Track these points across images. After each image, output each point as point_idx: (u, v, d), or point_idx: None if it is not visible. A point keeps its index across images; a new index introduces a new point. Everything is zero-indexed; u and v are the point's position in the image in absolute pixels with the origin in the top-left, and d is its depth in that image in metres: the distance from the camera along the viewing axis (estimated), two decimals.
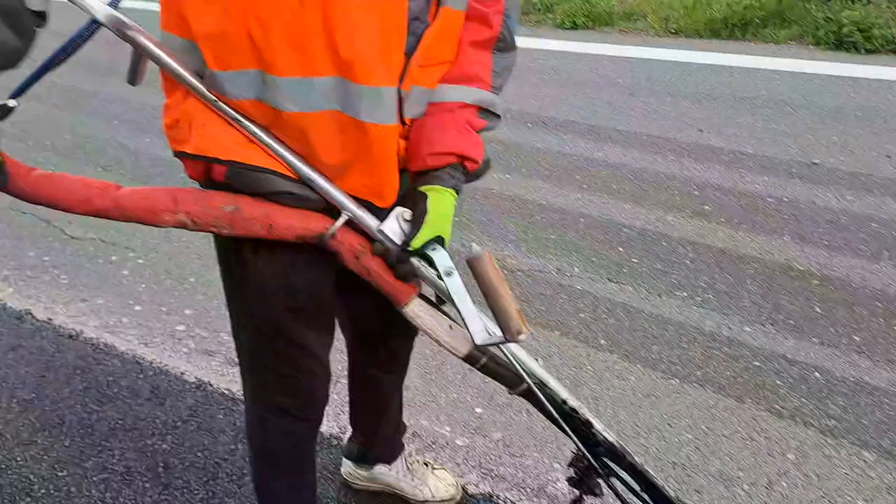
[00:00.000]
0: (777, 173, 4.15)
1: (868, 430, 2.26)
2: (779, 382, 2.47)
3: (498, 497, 2.01)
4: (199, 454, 2.11)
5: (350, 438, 1.96)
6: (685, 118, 5.05)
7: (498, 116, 1.29)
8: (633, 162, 4.36)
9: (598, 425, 1.40)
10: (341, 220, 1.19)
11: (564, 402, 1.38)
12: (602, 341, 2.69)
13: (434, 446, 2.20)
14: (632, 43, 7.22)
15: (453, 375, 2.47)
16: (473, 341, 1.17)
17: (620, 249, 3.34)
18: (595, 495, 1.46)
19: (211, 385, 2.40)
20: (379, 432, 1.87)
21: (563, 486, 2.02)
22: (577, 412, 1.38)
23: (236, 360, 1.48)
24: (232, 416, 2.26)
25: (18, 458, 2.10)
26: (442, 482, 1.96)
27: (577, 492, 1.46)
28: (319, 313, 1.37)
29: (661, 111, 5.21)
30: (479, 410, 2.34)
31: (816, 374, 2.51)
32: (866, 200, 3.79)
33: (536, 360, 1.38)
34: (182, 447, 2.14)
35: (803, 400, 2.39)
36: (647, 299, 2.95)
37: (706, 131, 4.81)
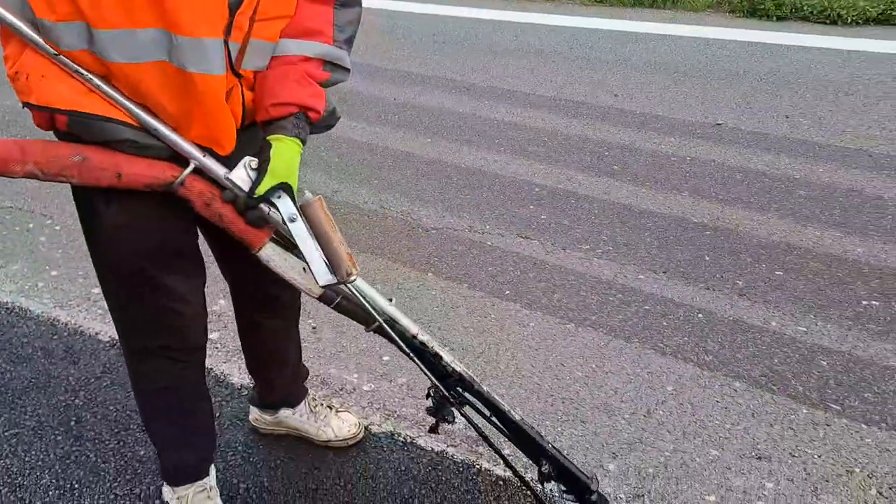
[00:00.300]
0: (683, 134, 4.36)
1: (741, 363, 2.48)
2: (664, 323, 2.67)
3: (399, 435, 2.15)
4: (111, 407, 2.19)
5: (254, 385, 2.07)
6: (602, 84, 5.24)
7: (346, 70, 1.38)
8: (550, 126, 4.52)
9: (447, 357, 1.54)
10: (189, 169, 1.27)
11: (415, 336, 1.52)
12: (507, 292, 2.85)
13: (342, 392, 2.32)
14: (556, 11, 7.37)
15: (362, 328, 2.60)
16: (317, 282, 1.29)
17: (531, 207, 3.50)
18: (448, 422, 1.60)
19: None
20: (274, 378, 1.97)
21: (461, 422, 2.17)
22: (426, 346, 1.52)
23: None
24: None
25: None
26: (345, 423, 2.08)
27: (434, 419, 1.60)
28: (179, 258, 1.45)
29: (580, 77, 5.39)
30: (385, 358, 2.47)
31: (699, 315, 2.72)
32: (762, 158, 4.03)
33: (390, 299, 1.52)
34: (95, 402, 2.22)
35: (685, 338, 2.59)
36: (552, 253, 3.12)
37: (621, 96, 5.00)
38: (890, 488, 1.98)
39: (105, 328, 2.54)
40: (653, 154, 4.10)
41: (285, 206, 1.28)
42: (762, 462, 2.07)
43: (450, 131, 4.42)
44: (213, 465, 1.83)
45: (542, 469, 1.61)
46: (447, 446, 2.10)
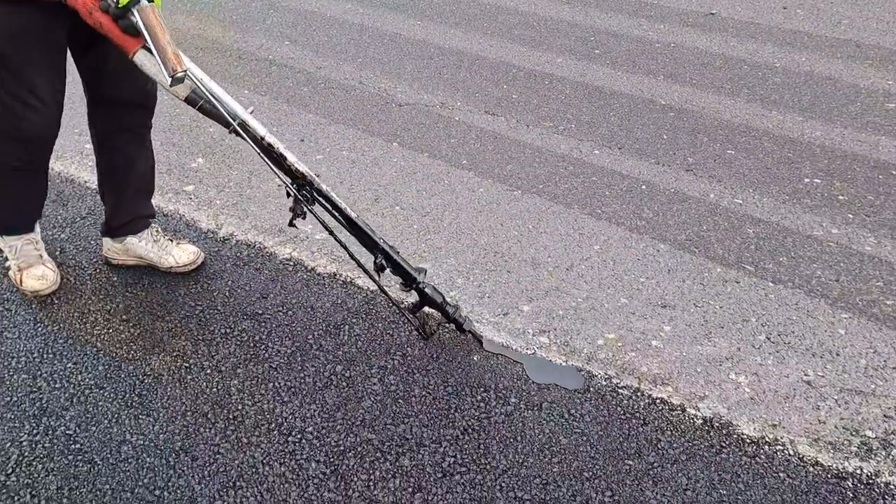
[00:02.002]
0: (673, 22, 4.38)
1: (670, 229, 2.65)
2: (607, 193, 2.84)
3: (340, 275, 2.38)
4: (91, 241, 2.47)
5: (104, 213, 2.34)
6: None
7: None
8: (541, 11, 4.56)
9: (291, 158, 1.80)
10: None
11: (262, 138, 1.77)
12: (464, 161, 3.04)
13: (296, 239, 2.57)
14: None
15: None
16: (166, 82, 1.57)
17: (504, 87, 3.63)
18: (301, 217, 1.85)
19: None
20: (122, 197, 2.23)
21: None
22: (273, 147, 1.77)
23: None
24: None
25: None
26: (184, 252, 2.34)
27: (291, 215, 1.87)
28: (43, 55, 1.77)
29: None
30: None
31: (643, 186, 2.88)
32: (747, 46, 4.05)
33: (248, 109, 1.76)
34: (78, 237, 2.50)
35: (623, 206, 2.77)
36: (514, 129, 3.27)
37: None
38: (779, 335, 2.19)
39: (92, 178, 2.81)
40: (638, 40, 4.14)
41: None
42: (666, 309, 2.28)
43: (439, 14, 4.50)
44: (38, 223, 2.25)
45: (377, 261, 1.94)
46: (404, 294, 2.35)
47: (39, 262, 2.24)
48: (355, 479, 1.67)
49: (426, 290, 1.99)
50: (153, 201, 2.37)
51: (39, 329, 2.08)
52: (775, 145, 3.15)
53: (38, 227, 2.28)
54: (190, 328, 2.10)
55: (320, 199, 1.87)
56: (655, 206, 2.77)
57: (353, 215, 1.91)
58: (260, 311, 2.20)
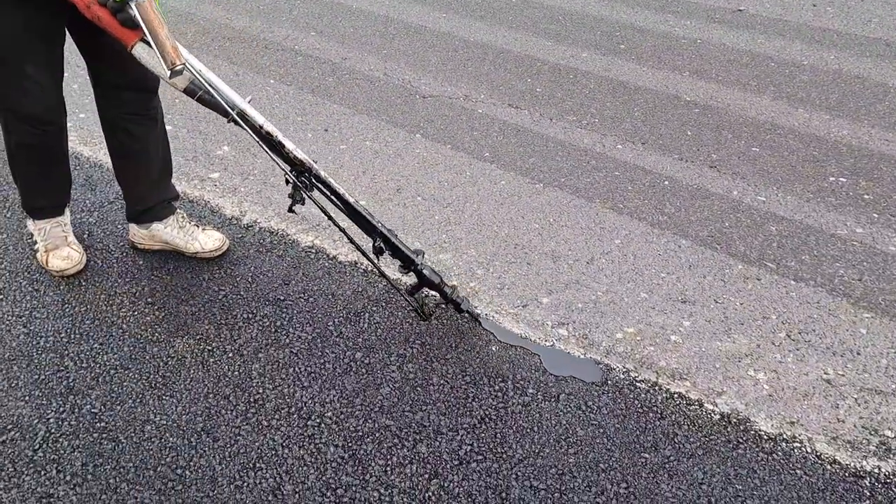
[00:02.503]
0: (700, 18, 4.34)
1: (692, 225, 2.64)
2: (629, 188, 2.84)
3: (361, 263, 2.41)
4: (118, 226, 2.52)
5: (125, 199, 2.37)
6: None
7: None
8: (566, 5, 4.55)
9: (289, 146, 1.82)
10: None
11: (261, 126, 1.79)
12: (486, 153, 3.04)
13: (318, 227, 2.60)
14: None
15: (348, 176, 2.85)
16: (165, 74, 1.60)
17: (528, 80, 3.63)
18: (300, 203, 1.87)
19: None
20: (140, 183, 2.27)
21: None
22: (272, 135, 1.79)
23: None
24: None
25: None
26: (210, 238, 2.38)
27: (290, 200, 1.89)
28: (41, 48, 1.85)
29: None
30: (362, 202, 2.73)
31: (666, 182, 2.87)
32: (774, 43, 4.01)
33: (246, 98, 1.78)
34: (105, 221, 2.55)
35: (645, 201, 2.76)
36: (538, 122, 3.27)
37: None
38: (799, 333, 2.18)
39: None
40: (664, 36, 4.12)
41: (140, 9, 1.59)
42: (685, 305, 2.28)
43: (464, 6, 4.51)
44: (67, 208, 2.33)
45: (375, 244, 1.96)
46: (402, 276, 2.37)
47: (65, 243, 2.29)
48: (373, 463, 1.70)
49: (424, 271, 2.02)
50: (179, 188, 2.41)
51: (67, 310, 2.13)
52: (801, 143, 3.12)
53: (67, 212, 2.34)
54: (213, 312, 2.14)
55: (319, 185, 1.90)
56: (678, 202, 2.76)
57: (351, 200, 1.94)
58: (282, 298, 2.23)
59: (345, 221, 1.93)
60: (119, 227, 2.50)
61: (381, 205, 2.71)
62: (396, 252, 1.99)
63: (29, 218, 2.32)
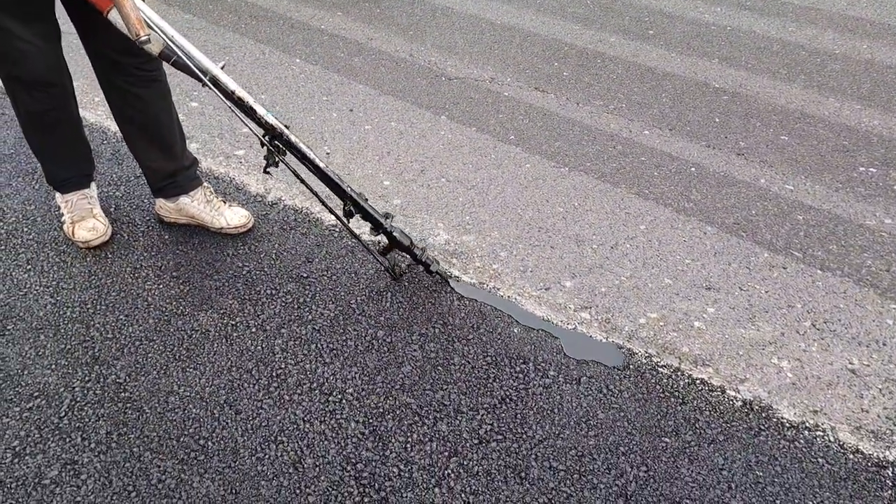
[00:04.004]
0: (731, 5, 4.28)
1: (718, 212, 2.62)
2: (655, 174, 2.81)
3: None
4: (144, 200, 2.54)
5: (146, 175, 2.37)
6: None
7: None
8: None
9: (260, 111, 1.84)
10: None
11: (233, 92, 1.81)
12: (511, 136, 3.03)
13: None
14: None
15: (372, 156, 2.85)
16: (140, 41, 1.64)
17: (555, 64, 3.60)
18: (274, 165, 1.90)
19: None
20: (154, 153, 2.25)
21: (439, 239, 2.43)
22: (243, 100, 1.82)
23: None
24: None
25: None
26: (236, 214, 2.39)
27: (265, 163, 1.92)
28: (30, 10, 1.83)
29: None
30: (386, 183, 2.73)
31: (692, 168, 2.84)
32: (806, 31, 3.94)
33: (220, 64, 1.80)
34: (132, 195, 2.57)
35: (671, 187, 2.73)
36: (564, 106, 3.25)
37: None
38: (824, 322, 2.15)
39: None
40: (693, 22, 4.06)
41: None
42: (710, 291, 2.26)
43: None
44: (93, 182, 2.38)
45: (346, 207, 2.02)
46: (373, 237, 2.37)
47: (91, 215, 2.32)
48: (393, 440, 1.70)
49: (394, 233, 2.09)
50: (204, 165, 2.42)
51: (93, 282, 2.15)
52: (831, 133, 3.07)
53: (94, 185, 2.37)
54: (237, 287, 2.15)
55: (290, 150, 1.93)
56: (704, 189, 2.73)
57: (322, 165, 1.97)
58: (305, 275, 2.24)
59: (319, 185, 2.02)
60: (145, 201, 2.52)
61: (404, 185, 2.70)
62: (367, 215, 2.05)
63: (56, 192, 2.35)
